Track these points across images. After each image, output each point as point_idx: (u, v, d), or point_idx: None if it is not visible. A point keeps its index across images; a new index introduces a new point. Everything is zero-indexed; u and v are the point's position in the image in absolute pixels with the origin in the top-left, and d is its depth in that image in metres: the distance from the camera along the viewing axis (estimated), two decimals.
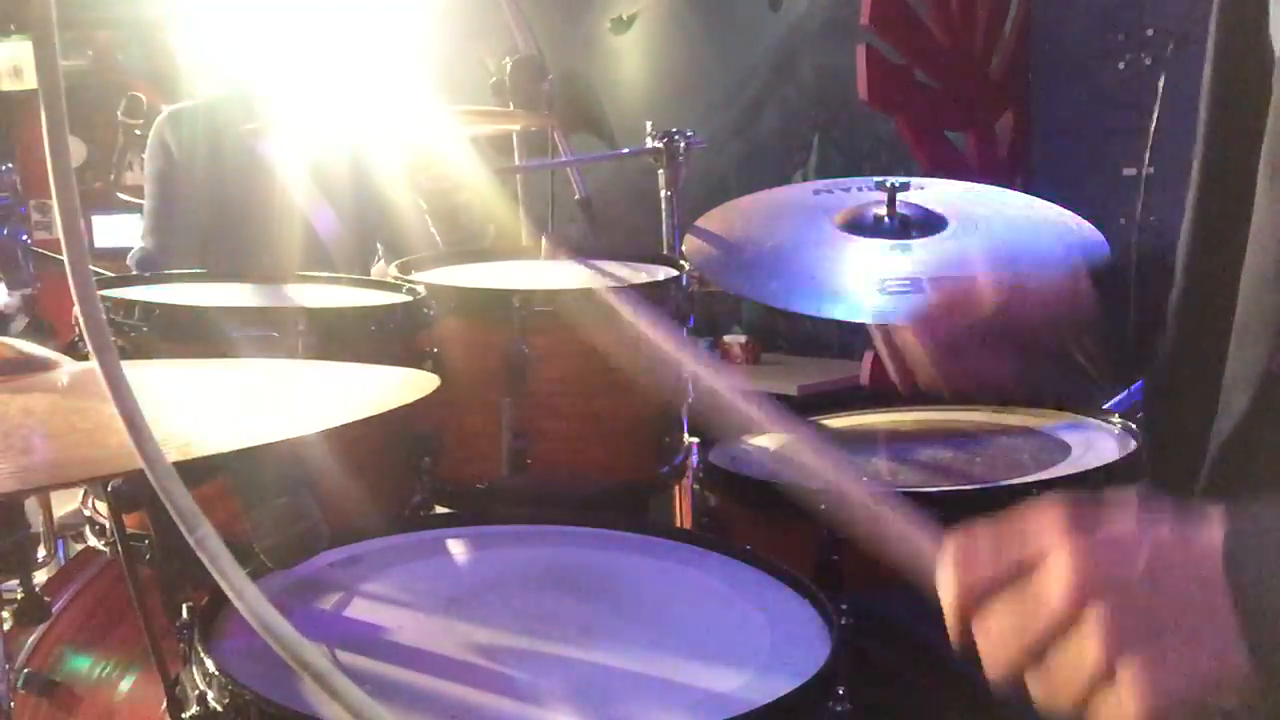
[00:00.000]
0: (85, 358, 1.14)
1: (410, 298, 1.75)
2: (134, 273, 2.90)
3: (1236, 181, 0.91)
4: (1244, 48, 0.91)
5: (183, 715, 1.08)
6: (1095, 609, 0.70)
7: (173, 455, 0.90)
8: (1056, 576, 0.71)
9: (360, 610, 1.26)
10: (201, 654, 1.09)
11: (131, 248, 3.04)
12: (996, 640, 0.73)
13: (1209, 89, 0.95)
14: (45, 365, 1.15)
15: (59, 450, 0.98)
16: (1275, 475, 0.81)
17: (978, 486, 1.71)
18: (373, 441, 1.61)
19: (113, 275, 2.41)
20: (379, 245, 3.08)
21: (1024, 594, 0.72)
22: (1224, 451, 0.85)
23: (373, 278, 2.29)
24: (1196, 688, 0.69)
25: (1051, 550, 0.72)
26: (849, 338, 4.20)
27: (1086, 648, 0.69)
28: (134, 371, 1.18)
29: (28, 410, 1.05)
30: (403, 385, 1.25)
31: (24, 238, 2.09)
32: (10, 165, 1.99)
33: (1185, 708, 0.69)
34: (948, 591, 0.76)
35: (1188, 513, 0.73)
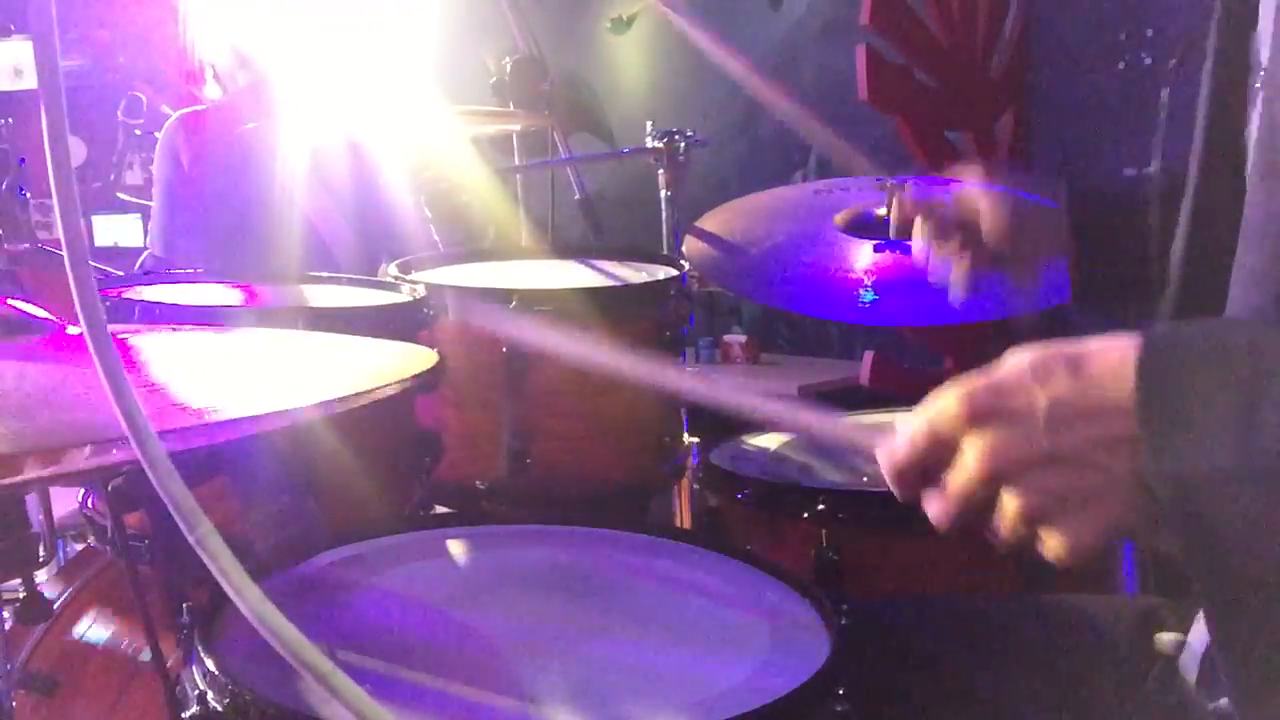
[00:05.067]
0: None
1: (410, 298, 1.76)
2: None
3: (1230, 186, 0.91)
4: (1235, 53, 0.91)
5: (183, 715, 1.08)
6: (1008, 494, 0.78)
7: (173, 422, 0.90)
8: (970, 469, 0.79)
9: (360, 610, 1.26)
10: (201, 654, 1.09)
11: (131, 248, 3.04)
12: (936, 511, 0.83)
13: (1206, 93, 0.96)
14: (45, 328, 1.14)
15: (56, 415, 0.97)
16: None
17: None
18: (373, 441, 1.61)
19: (114, 275, 2.42)
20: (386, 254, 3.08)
21: (948, 480, 0.81)
22: None
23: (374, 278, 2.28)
24: (1112, 529, 0.77)
25: (963, 440, 0.80)
26: (849, 338, 4.20)
27: (1012, 521, 0.78)
28: (135, 341, 1.18)
29: (24, 374, 1.04)
30: (403, 360, 1.24)
31: (22, 191, 2.08)
32: (10, 119, 1.98)
33: (1109, 539, 0.77)
34: (888, 479, 0.86)
35: (1083, 364, 0.78)
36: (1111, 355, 0.76)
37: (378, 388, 1.07)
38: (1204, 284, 0.95)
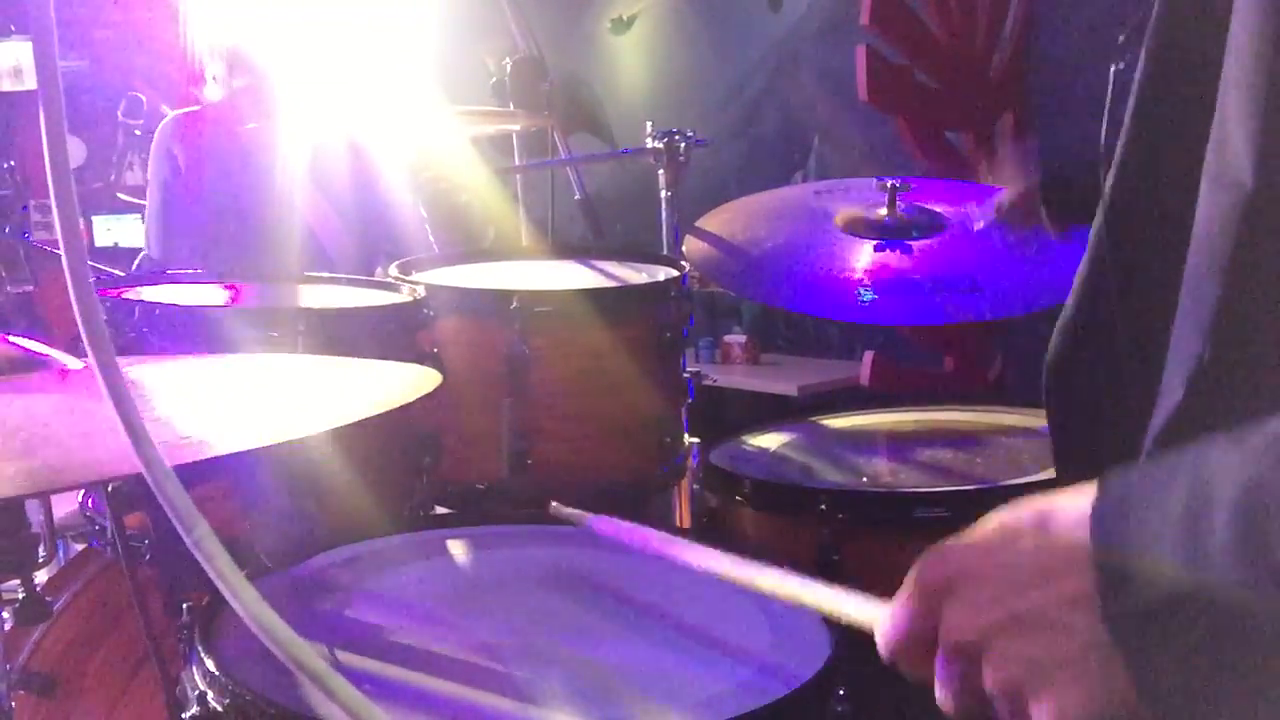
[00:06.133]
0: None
1: (410, 298, 1.75)
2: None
3: (1146, 182, 0.91)
4: (1187, 23, 0.90)
5: (183, 715, 1.08)
6: (984, 666, 0.75)
7: (177, 456, 0.90)
8: (946, 641, 0.77)
9: (360, 610, 1.26)
10: (201, 654, 1.09)
11: (131, 248, 3.03)
12: (938, 692, 0.80)
13: (1144, 68, 0.95)
14: (47, 364, 1.15)
15: (59, 453, 0.98)
16: None
17: (978, 486, 1.71)
18: (373, 442, 1.61)
19: (114, 275, 2.42)
20: (383, 256, 3.08)
21: (931, 659, 0.79)
22: (1158, 443, 0.85)
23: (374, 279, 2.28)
24: (1089, 704, 0.72)
25: (939, 616, 0.78)
26: (849, 338, 4.20)
27: (994, 698, 0.75)
28: (136, 370, 1.19)
29: (28, 412, 1.05)
30: (406, 382, 1.24)
31: (25, 236, 2.09)
32: (12, 163, 1.99)
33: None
34: (885, 657, 0.83)
35: (1050, 520, 0.76)
36: (1074, 510, 0.75)
37: (379, 414, 1.08)
38: (1111, 273, 0.95)
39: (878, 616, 0.84)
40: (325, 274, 2.15)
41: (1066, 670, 0.73)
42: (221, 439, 1.01)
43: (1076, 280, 1.00)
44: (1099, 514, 0.74)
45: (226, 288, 1.93)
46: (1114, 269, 0.95)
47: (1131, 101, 0.94)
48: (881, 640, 0.82)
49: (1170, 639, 0.71)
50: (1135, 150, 0.94)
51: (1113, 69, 1.04)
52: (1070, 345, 1.00)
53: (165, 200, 2.95)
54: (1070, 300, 1.00)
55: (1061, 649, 0.73)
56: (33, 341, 1.19)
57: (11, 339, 1.19)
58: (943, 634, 0.77)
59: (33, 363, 1.15)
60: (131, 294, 1.79)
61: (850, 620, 0.88)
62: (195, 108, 3.12)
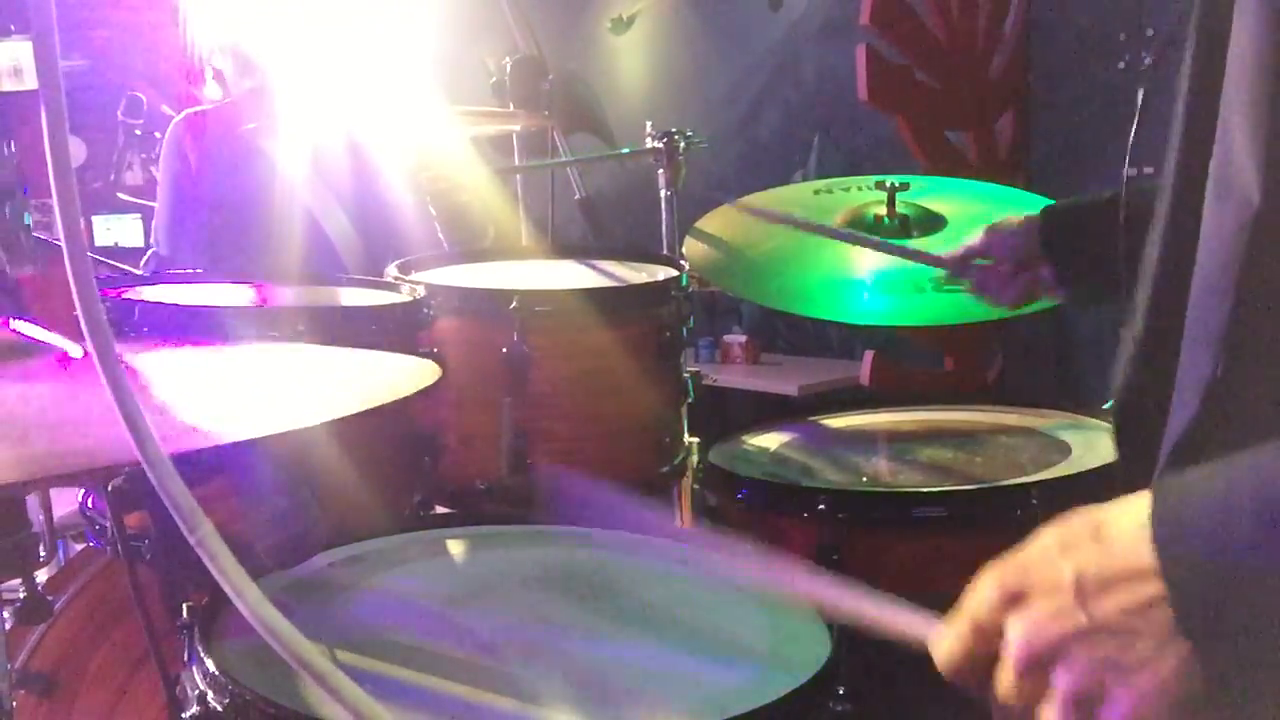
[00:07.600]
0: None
1: (410, 298, 1.75)
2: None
3: (1203, 193, 0.91)
4: (1213, 54, 0.91)
5: (183, 715, 1.08)
6: (1058, 674, 0.76)
7: (176, 444, 0.89)
8: (1014, 652, 0.78)
9: (360, 610, 1.26)
10: (201, 654, 1.09)
11: (131, 248, 3.04)
12: (995, 708, 0.81)
13: (1184, 95, 0.95)
14: (46, 351, 1.14)
15: (57, 441, 0.97)
16: None
17: (978, 486, 1.71)
18: (373, 441, 1.61)
19: (114, 275, 2.42)
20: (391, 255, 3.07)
21: (997, 674, 0.80)
22: (1173, 456, 0.86)
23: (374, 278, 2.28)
24: (1163, 703, 0.74)
25: (1005, 625, 0.79)
26: (849, 338, 4.20)
27: (1064, 703, 0.76)
28: (138, 362, 1.18)
29: (26, 398, 1.04)
30: (406, 374, 1.24)
31: (25, 219, 2.09)
32: (12, 147, 1.99)
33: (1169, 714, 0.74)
34: (945, 672, 0.84)
35: (1103, 531, 0.78)
36: (1128, 520, 0.77)
37: (379, 405, 1.08)
38: (1176, 293, 0.94)
39: (933, 633, 0.85)
40: (328, 273, 2.15)
41: (1143, 670, 0.74)
42: (220, 428, 1.01)
43: (1138, 314, 1.00)
44: (1159, 523, 0.75)
45: (229, 287, 1.93)
46: (1177, 300, 0.95)
47: (1179, 131, 0.94)
48: (943, 656, 0.83)
49: (1244, 637, 0.73)
50: (1190, 177, 0.94)
51: (1140, 92, 1.04)
52: (1137, 378, 1.00)
53: (175, 198, 2.96)
54: (1134, 333, 1.00)
55: (1137, 651, 0.74)
56: (33, 326, 1.18)
57: (12, 325, 1.18)
58: (1015, 645, 0.78)
59: (32, 349, 1.14)
60: (132, 293, 1.79)
61: (903, 636, 0.88)
62: (205, 107, 3.13)
